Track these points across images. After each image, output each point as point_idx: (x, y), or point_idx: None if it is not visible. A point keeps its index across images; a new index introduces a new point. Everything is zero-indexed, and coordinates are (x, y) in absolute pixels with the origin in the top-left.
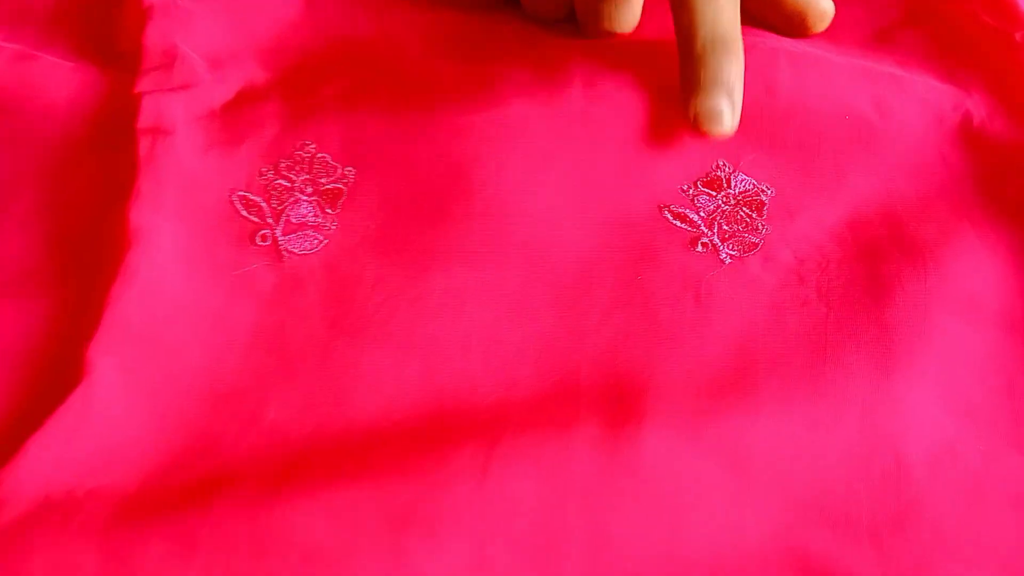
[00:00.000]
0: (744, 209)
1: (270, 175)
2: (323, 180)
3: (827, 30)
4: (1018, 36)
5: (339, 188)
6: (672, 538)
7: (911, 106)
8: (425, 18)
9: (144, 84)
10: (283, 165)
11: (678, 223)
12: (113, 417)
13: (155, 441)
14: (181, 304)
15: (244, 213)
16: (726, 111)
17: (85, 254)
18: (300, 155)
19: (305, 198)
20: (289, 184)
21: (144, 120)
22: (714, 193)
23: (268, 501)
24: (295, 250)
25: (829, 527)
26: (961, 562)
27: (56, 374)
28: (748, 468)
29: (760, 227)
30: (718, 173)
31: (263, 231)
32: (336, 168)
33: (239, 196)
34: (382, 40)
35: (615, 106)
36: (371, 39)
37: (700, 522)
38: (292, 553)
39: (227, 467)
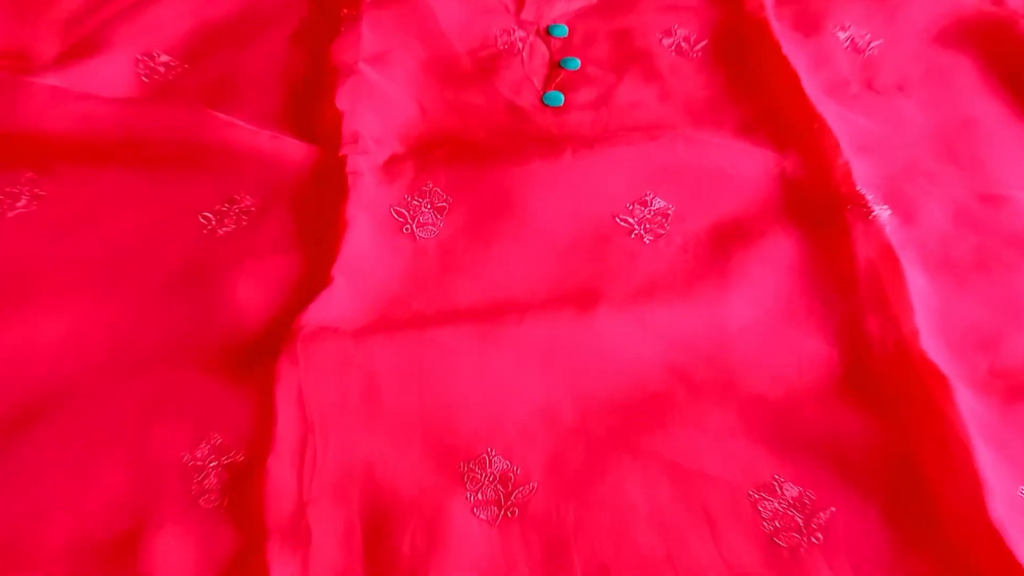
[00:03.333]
0: (658, 217)
1: (409, 199)
2: (437, 201)
3: (703, 116)
4: (815, 125)
5: (444, 206)
6: (610, 357)
7: (751, 163)
8: (489, 118)
9: (345, 150)
10: (416, 194)
11: (622, 223)
12: (344, 296)
13: (366, 311)
14: (370, 256)
15: (397, 218)
16: None
17: (323, 233)
18: (425, 189)
19: (428, 210)
20: (419, 203)
21: (350, 167)
22: (643, 208)
23: (454, 335)
24: (423, 236)
25: (687, 359)
26: (760, 375)
27: (314, 284)
28: (653, 329)
29: (666, 226)
30: (645, 197)
31: (407, 226)
32: (443, 195)
33: (395, 209)
34: (465, 130)
35: (589, 163)
36: (458, 128)
37: (626, 354)
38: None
39: (416, 323)
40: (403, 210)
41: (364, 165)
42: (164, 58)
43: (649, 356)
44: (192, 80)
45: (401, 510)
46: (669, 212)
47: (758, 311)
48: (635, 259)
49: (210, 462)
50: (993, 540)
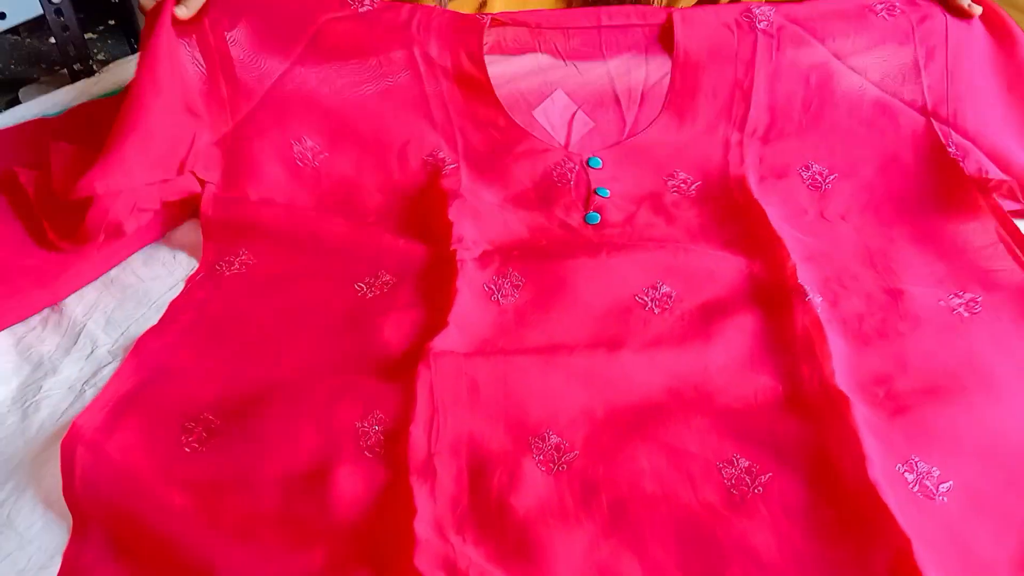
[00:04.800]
0: (665, 298)
1: (496, 279)
2: (515, 281)
3: (696, 235)
4: (775, 242)
5: (520, 284)
6: (629, 381)
7: (729, 266)
8: (549, 232)
9: (455, 246)
10: (501, 275)
11: (640, 300)
12: (455, 335)
13: (469, 344)
14: (471, 313)
15: (488, 290)
16: None
17: (440, 298)
18: (507, 272)
19: (508, 287)
20: (503, 281)
21: (459, 256)
22: (654, 291)
23: (526, 360)
24: (505, 302)
25: (681, 384)
26: (729, 397)
27: (435, 328)
28: (659, 366)
29: (670, 304)
30: (656, 284)
31: (494, 296)
32: (519, 277)
33: (487, 285)
34: (533, 239)
35: (618, 261)
36: (528, 239)
37: (640, 380)
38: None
39: (502, 352)
40: (492, 286)
41: (467, 256)
42: (310, 143)
43: (655, 382)
44: (335, 167)
45: (491, 462)
46: (672, 295)
47: (729, 358)
48: (648, 324)
49: (373, 427)
50: (871, 493)
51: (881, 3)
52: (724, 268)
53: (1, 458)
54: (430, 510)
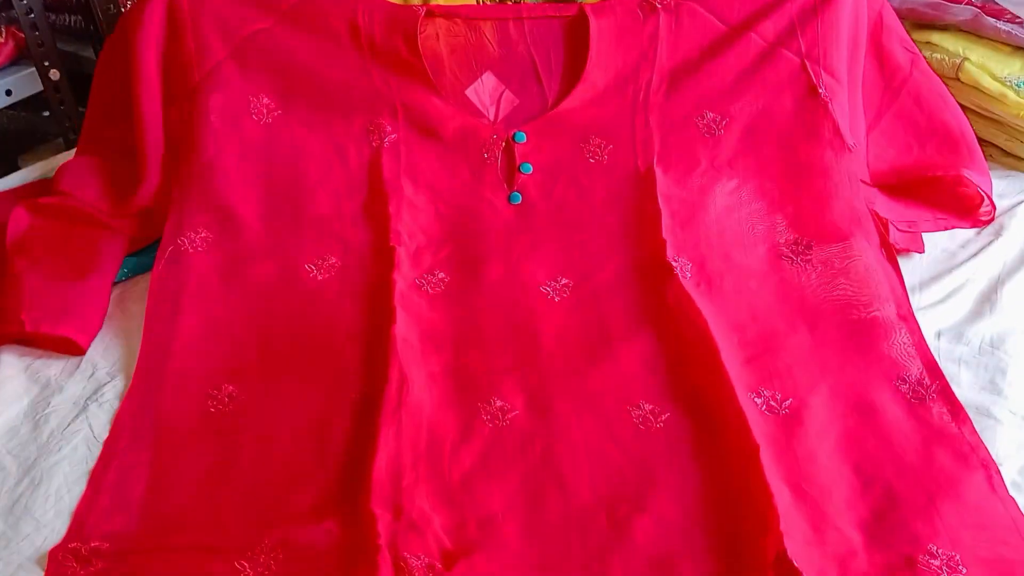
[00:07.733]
0: (565, 287)
1: (426, 275)
2: (441, 277)
3: (597, 208)
4: (661, 245)
5: (445, 279)
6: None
7: (614, 251)
8: (478, 212)
9: (393, 242)
10: (430, 273)
11: (542, 290)
12: (404, 317)
13: (417, 326)
14: (408, 297)
15: (418, 283)
16: None
17: (385, 288)
18: (434, 271)
19: (436, 280)
20: (432, 277)
21: (397, 255)
22: (554, 282)
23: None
24: (431, 292)
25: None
26: None
27: (386, 314)
28: (580, 344)
29: (567, 292)
30: (557, 276)
31: (423, 287)
32: (444, 274)
33: (417, 279)
34: (461, 222)
35: (526, 262)
36: (458, 220)
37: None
38: None
39: (451, 342)
40: (422, 280)
41: (403, 253)
42: (266, 100)
43: (572, 355)
44: (285, 126)
45: (447, 420)
46: (569, 285)
47: (624, 329)
48: (551, 309)
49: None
50: (738, 413)
51: None
52: (611, 256)
53: (18, 460)
54: (393, 447)
